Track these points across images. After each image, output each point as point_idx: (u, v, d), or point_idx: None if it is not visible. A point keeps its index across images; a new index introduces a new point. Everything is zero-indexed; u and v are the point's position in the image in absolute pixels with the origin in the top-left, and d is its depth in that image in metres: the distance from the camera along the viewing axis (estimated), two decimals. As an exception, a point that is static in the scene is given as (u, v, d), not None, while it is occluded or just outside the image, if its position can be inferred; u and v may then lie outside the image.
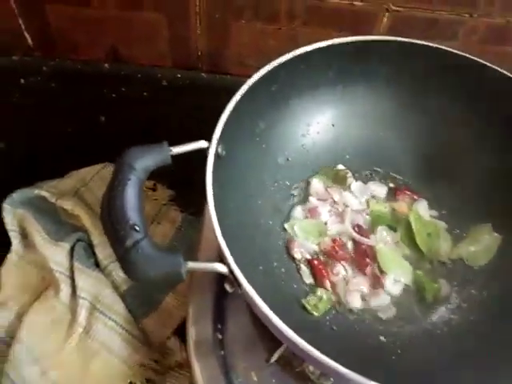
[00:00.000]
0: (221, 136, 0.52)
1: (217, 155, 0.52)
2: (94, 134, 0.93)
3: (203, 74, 0.90)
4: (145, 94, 0.92)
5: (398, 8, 0.72)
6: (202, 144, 0.51)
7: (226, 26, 0.80)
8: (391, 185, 0.68)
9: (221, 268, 0.44)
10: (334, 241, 0.62)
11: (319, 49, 0.61)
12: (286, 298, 0.56)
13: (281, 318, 0.43)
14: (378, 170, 0.69)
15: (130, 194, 0.44)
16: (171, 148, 0.50)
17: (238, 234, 0.53)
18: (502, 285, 0.59)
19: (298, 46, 0.60)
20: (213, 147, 0.51)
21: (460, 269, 0.62)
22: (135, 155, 0.48)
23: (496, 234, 0.62)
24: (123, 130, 0.85)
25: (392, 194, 0.67)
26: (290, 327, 0.43)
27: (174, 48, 0.87)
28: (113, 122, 0.93)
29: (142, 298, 0.70)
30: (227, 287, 0.45)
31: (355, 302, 0.57)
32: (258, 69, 0.58)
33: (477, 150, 0.65)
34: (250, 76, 0.57)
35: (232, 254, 0.45)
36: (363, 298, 0.58)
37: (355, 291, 0.58)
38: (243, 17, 0.78)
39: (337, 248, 0.62)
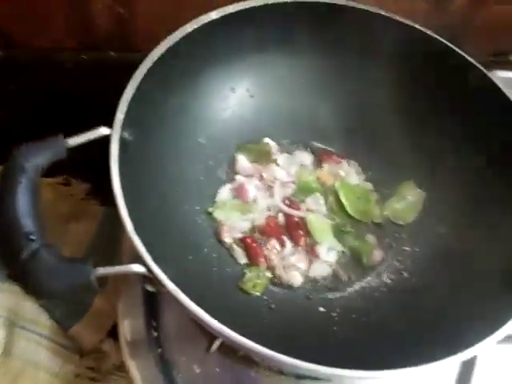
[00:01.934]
0: (125, 119, 0.48)
1: (123, 141, 0.47)
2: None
3: (112, 53, 0.82)
4: (47, 81, 0.83)
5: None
6: (104, 131, 0.46)
7: (130, -2, 0.73)
8: (317, 152, 0.66)
9: (137, 268, 0.40)
10: (266, 217, 0.60)
11: (231, 14, 0.57)
12: (222, 284, 0.54)
13: (215, 308, 0.40)
14: (303, 138, 0.67)
15: (22, 199, 0.39)
16: (67, 140, 0.44)
17: (159, 226, 0.49)
18: (430, 239, 0.60)
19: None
20: (116, 133, 0.46)
21: (390, 228, 0.62)
22: (25, 154, 0.42)
23: (419, 190, 0.62)
24: (26, 124, 0.77)
25: (318, 162, 0.65)
26: (225, 315, 0.40)
27: (75, 27, 0.79)
28: (14, 117, 0.84)
29: (67, 304, 0.64)
30: (148, 287, 0.41)
31: (295, 279, 0.56)
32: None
33: (397, 110, 0.64)
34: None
35: (151, 250, 0.41)
36: (302, 273, 0.57)
37: (293, 268, 0.56)
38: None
39: (270, 224, 0.59)
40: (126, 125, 0.48)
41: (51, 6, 0.73)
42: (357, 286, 0.57)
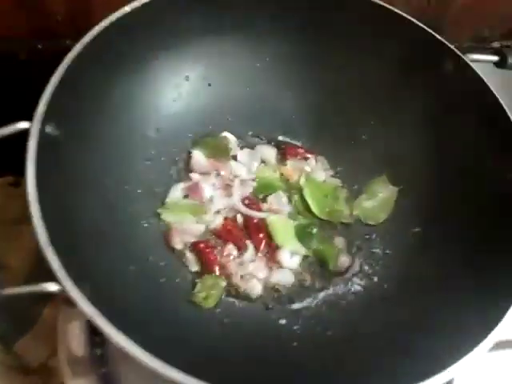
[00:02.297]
0: (50, 112, 0.41)
1: (46, 137, 0.40)
2: None
3: (68, 42, 0.75)
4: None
5: None
6: (23, 125, 0.40)
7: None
8: (281, 146, 0.60)
9: (52, 287, 0.34)
10: (224, 219, 0.54)
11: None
12: (169, 296, 0.48)
13: (150, 332, 0.35)
14: (266, 131, 0.61)
15: None
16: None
17: (91, 235, 0.43)
18: (402, 240, 0.54)
19: None
20: (35, 127, 0.39)
21: (360, 229, 0.56)
22: None
23: (392, 186, 0.57)
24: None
25: (282, 157, 0.60)
26: (165, 338, 0.35)
27: (26, 14, 0.72)
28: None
29: (11, 317, 0.58)
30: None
31: (254, 289, 0.50)
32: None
33: (369, 99, 0.58)
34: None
35: (73, 263, 0.35)
36: (261, 282, 0.51)
37: (252, 277, 0.50)
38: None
39: (227, 226, 0.53)
40: (50, 118, 0.41)
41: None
42: (322, 295, 0.52)
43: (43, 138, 0.40)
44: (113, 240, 0.47)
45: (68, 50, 0.76)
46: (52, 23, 0.73)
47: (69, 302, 0.34)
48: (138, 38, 0.51)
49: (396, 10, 0.55)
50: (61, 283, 0.34)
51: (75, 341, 0.49)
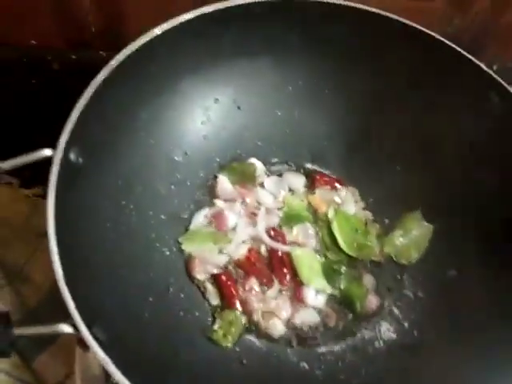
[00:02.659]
0: (74, 139, 0.40)
1: (69, 164, 0.39)
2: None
3: (102, 53, 0.75)
4: (33, 81, 0.76)
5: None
6: (46, 153, 0.39)
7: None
8: (310, 174, 0.58)
9: (65, 329, 0.32)
10: (249, 251, 0.52)
11: (210, 14, 0.49)
12: (187, 331, 0.46)
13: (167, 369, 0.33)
14: (295, 158, 0.59)
15: None
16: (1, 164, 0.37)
17: (112, 265, 0.42)
18: (436, 282, 0.51)
19: None
20: (58, 156, 0.38)
21: (391, 268, 0.53)
22: None
23: (426, 224, 0.53)
24: (10, 130, 0.70)
25: (311, 186, 0.57)
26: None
27: (62, 24, 0.72)
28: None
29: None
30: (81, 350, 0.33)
31: (275, 329, 0.48)
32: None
33: (406, 128, 0.55)
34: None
35: (88, 303, 0.34)
36: (284, 321, 0.49)
37: (274, 315, 0.48)
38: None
39: (251, 258, 0.51)
40: (74, 145, 0.40)
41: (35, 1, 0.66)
42: (348, 339, 0.49)
43: (66, 165, 0.39)
44: (133, 269, 0.45)
45: (101, 61, 0.76)
46: (86, 34, 0.73)
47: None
48: (167, 60, 0.50)
49: (437, 36, 0.52)
50: (75, 326, 0.32)
51: (92, 362, 0.48)
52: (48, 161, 0.39)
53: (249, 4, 0.50)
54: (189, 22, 0.48)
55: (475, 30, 0.73)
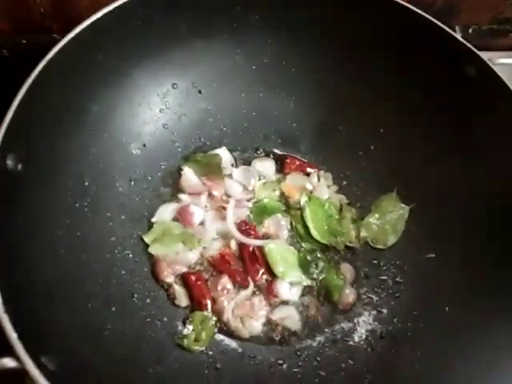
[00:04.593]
0: (11, 142, 0.36)
1: (6, 173, 0.35)
2: None
3: (55, 36, 0.70)
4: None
5: None
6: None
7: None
8: (280, 160, 0.55)
9: (9, 363, 0.29)
10: (220, 247, 0.49)
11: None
12: (155, 339, 0.43)
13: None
14: (263, 143, 0.55)
15: None
16: None
17: (68, 277, 0.39)
18: (414, 266, 0.49)
19: None
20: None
21: (367, 254, 0.51)
22: None
23: (402, 205, 0.51)
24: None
25: (282, 172, 0.54)
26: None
27: (8, 8, 0.66)
28: None
29: None
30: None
31: (251, 329, 0.45)
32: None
33: (379, 105, 0.52)
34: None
35: (37, 324, 0.30)
36: (260, 320, 0.46)
37: (250, 315, 0.45)
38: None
39: (226, 256, 0.48)
40: (11, 149, 0.36)
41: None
42: (327, 332, 0.47)
43: (2, 174, 0.35)
44: (91, 279, 0.42)
45: (54, 43, 0.71)
46: (35, 16, 0.67)
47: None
48: (115, 46, 0.45)
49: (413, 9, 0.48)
50: (19, 359, 0.29)
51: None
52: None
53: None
54: (136, 2, 0.43)
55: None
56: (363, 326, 0.47)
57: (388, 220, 0.51)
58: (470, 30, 0.74)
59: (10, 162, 0.36)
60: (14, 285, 0.32)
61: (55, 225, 0.41)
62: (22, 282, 0.33)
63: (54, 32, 0.69)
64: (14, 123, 0.36)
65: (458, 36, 0.48)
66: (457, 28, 0.74)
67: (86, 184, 0.46)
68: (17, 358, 0.29)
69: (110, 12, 0.43)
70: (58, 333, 0.34)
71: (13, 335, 0.29)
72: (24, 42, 0.69)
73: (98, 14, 0.42)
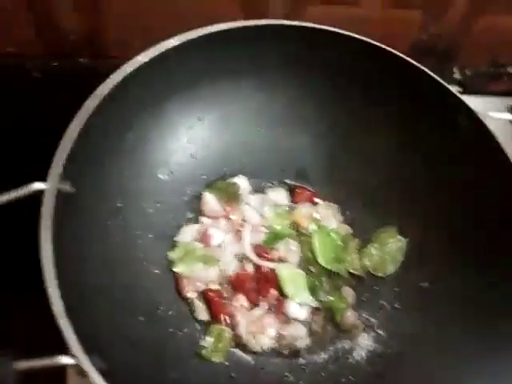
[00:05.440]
0: (65, 169, 0.41)
1: (62, 197, 0.40)
2: None
3: (82, 60, 0.76)
4: (12, 89, 0.75)
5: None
6: (38, 186, 0.40)
7: (99, 1, 0.66)
8: (292, 191, 0.60)
9: (66, 360, 0.34)
10: (237, 268, 0.54)
11: (195, 39, 0.50)
12: (176, 348, 0.48)
13: None
14: (279, 174, 0.61)
15: None
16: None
17: (101, 288, 0.43)
18: (411, 295, 0.54)
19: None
20: (51, 190, 0.39)
21: (369, 280, 0.56)
22: None
23: (401, 238, 0.56)
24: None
25: (294, 202, 0.59)
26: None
27: (42, 32, 0.72)
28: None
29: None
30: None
31: (262, 343, 0.50)
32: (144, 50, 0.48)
33: (382, 146, 0.58)
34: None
35: (86, 328, 0.35)
36: (271, 335, 0.51)
37: (262, 331, 0.50)
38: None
39: (241, 277, 0.53)
40: (66, 175, 0.41)
41: (14, 10, 0.66)
42: (329, 349, 0.52)
43: (59, 197, 0.40)
44: (123, 291, 0.47)
45: (81, 68, 0.76)
46: (66, 42, 0.73)
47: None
48: (153, 83, 0.51)
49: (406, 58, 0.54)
50: (75, 357, 0.34)
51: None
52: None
53: (232, 29, 0.51)
54: (174, 48, 0.49)
55: (449, 36, 0.76)
56: (363, 345, 0.52)
57: (387, 251, 0.57)
58: (468, 72, 0.81)
59: (65, 186, 0.41)
60: (69, 293, 0.36)
61: (95, 241, 0.46)
62: (75, 290, 0.38)
63: (83, 57, 0.75)
64: (71, 149, 0.41)
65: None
66: (455, 69, 0.81)
67: (118, 205, 0.51)
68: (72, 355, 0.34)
69: (155, 56, 0.48)
70: (101, 336, 0.39)
71: (72, 336, 0.34)
72: (55, 64, 0.75)
73: (146, 56, 0.48)
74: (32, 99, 0.71)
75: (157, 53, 0.48)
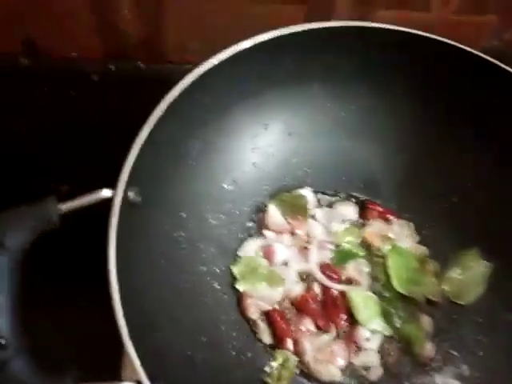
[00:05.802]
0: (132, 178, 0.39)
1: (128, 205, 0.38)
2: (10, 151, 0.77)
3: (140, 64, 0.75)
4: (71, 92, 0.76)
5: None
6: (105, 193, 0.38)
7: (160, 6, 0.65)
8: (363, 206, 0.56)
9: (131, 385, 0.31)
10: (306, 289, 0.50)
11: (266, 42, 0.47)
12: (240, 373, 0.45)
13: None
14: (345, 187, 0.57)
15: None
16: (60, 206, 0.36)
17: (169, 306, 0.41)
18: (497, 325, 0.48)
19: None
20: (118, 199, 0.37)
21: (447, 308, 0.51)
22: (4, 226, 0.34)
23: (484, 262, 0.51)
24: (49, 142, 0.70)
25: (364, 218, 0.55)
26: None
27: (103, 36, 0.72)
28: (34, 132, 0.77)
29: None
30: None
31: (330, 374, 0.46)
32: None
33: (462, 162, 0.53)
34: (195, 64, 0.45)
35: (149, 359, 0.32)
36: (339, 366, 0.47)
37: (329, 361, 0.46)
38: (179, -6, 0.63)
39: (308, 299, 0.49)
40: (132, 184, 0.39)
41: (76, 14, 0.66)
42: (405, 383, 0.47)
43: (125, 206, 0.38)
44: (186, 308, 0.44)
45: (139, 71, 0.76)
46: (126, 45, 0.73)
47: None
48: (220, 90, 0.48)
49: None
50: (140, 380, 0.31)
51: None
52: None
53: (302, 32, 0.48)
54: (246, 50, 0.47)
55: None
56: (442, 381, 0.47)
57: (470, 276, 0.51)
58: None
59: (131, 194, 0.39)
60: (133, 310, 0.34)
61: (160, 253, 0.44)
62: (138, 308, 0.35)
63: (140, 61, 0.75)
64: (137, 158, 0.39)
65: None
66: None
67: (183, 216, 0.48)
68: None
69: (224, 61, 0.46)
70: (166, 360, 0.36)
71: (136, 361, 0.31)
72: (112, 68, 0.74)
73: (211, 62, 0.46)
74: (91, 102, 0.72)
75: (230, 54, 0.45)
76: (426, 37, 0.49)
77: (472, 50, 0.49)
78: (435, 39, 0.48)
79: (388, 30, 0.49)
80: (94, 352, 0.43)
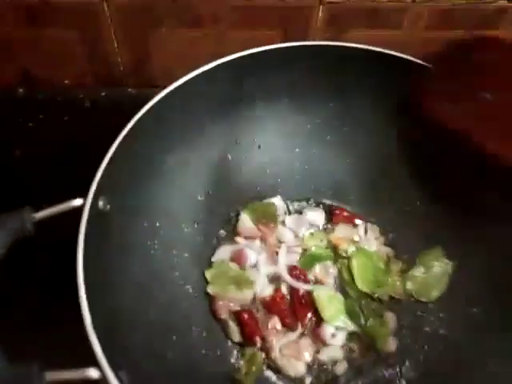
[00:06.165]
0: (103, 187, 0.43)
1: (98, 213, 0.42)
2: (6, 172, 0.82)
3: (130, 90, 0.80)
4: (65, 118, 0.81)
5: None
6: (77, 202, 0.41)
7: (146, 36, 0.70)
8: (330, 211, 0.59)
9: (93, 373, 0.34)
10: (275, 291, 0.53)
11: (230, 61, 0.51)
12: (209, 370, 0.47)
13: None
14: (314, 194, 0.60)
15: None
16: (34, 214, 0.40)
17: (135, 305, 0.44)
18: (458, 320, 0.51)
19: (227, 52, 0.51)
20: (87, 207, 0.41)
21: (411, 305, 0.53)
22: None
23: (447, 260, 0.53)
24: (43, 164, 0.74)
25: (331, 222, 0.58)
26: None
27: (93, 65, 0.77)
28: (29, 156, 0.82)
29: None
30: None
31: (296, 369, 0.48)
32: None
33: (423, 164, 0.56)
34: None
35: (114, 345, 0.36)
36: (305, 361, 0.49)
37: (296, 356, 0.48)
38: (164, 24, 0.67)
39: (277, 298, 0.52)
40: (103, 193, 0.43)
41: (68, 45, 0.71)
42: (368, 377, 0.49)
43: (94, 214, 0.41)
44: (158, 309, 0.47)
45: (129, 97, 0.81)
46: (116, 73, 0.77)
47: None
48: (192, 106, 0.52)
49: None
50: (102, 370, 0.34)
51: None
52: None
53: (265, 51, 0.52)
54: (211, 70, 0.51)
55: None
56: (405, 374, 0.49)
57: (432, 274, 0.53)
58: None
59: (101, 203, 0.43)
60: (100, 308, 0.37)
61: (133, 260, 0.47)
62: (106, 306, 0.39)
63: (130, 87, 0.80)
64: (107, 170, 0.43)
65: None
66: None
67: (157, 224, 0.52)
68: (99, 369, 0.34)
69: (192, 79, 0.50)
70: (130, 353, 0.39)
71: (98, 349, 0.34)
72: (103, 94, 0.79)
73: (181, 81, 0.50)
74: (83, 127, 0.76)
75: (195, 74, 0.49)
76: (383, 52, 0.53)
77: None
78: (395, 55, 0.52)
79: (346, 47, 0.53)
80: (60, 340, 0.46)
